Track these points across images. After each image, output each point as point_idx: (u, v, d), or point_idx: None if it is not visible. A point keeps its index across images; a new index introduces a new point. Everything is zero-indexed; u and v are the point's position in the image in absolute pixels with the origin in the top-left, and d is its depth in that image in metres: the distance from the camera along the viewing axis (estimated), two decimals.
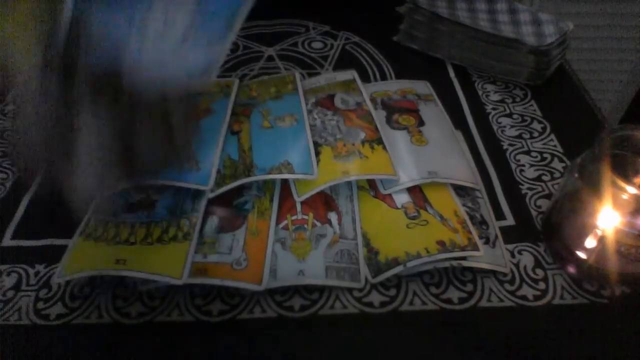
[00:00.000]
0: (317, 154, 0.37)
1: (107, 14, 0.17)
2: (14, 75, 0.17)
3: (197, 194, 0.35)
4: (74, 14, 0.16)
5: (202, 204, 0.35)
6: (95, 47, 0.17)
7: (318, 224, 0.35)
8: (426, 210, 0.35)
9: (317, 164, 0.36)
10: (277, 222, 0.35)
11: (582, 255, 0.32)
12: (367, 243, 0.34)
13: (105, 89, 0.18)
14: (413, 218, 0.35)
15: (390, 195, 0.36)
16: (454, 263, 0.32)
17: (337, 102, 0.43)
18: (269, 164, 0.36)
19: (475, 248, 0.33)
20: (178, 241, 0.33)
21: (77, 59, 0.16)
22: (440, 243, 0.33)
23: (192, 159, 0.35)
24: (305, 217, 0.35)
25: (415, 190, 0.37)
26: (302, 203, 0.36)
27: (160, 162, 0.22)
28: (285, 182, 0.37)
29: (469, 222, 0.35)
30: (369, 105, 0.42)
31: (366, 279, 0.32)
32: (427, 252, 0.32)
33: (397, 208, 0.36)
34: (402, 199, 0.36)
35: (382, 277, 0.32)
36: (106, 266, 0.31)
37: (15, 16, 0.16)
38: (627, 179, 0.29)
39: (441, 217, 0.35)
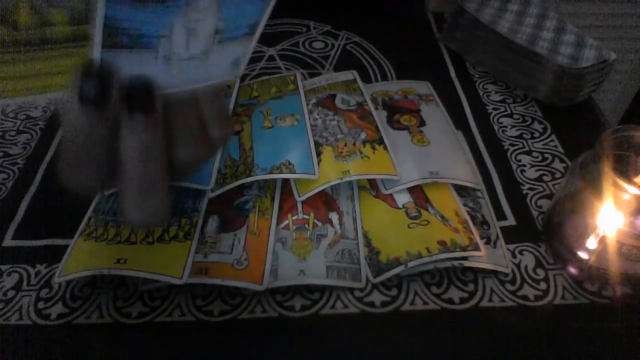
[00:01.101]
0: (319, 154, 0.37)
1: (131, 57, 0.18)
2: (62, 109, 0.19)
3: (198, 194, 0.35)
4: (103, 60, 0.18)
5: (203, 203, 0.35)
6: (125, 79, 0.18)
7: (319, 223, 0.35)
8: (427, 210, 0.35)
9: (318, 164, 0.36)
10: (278, 222, 0.35)
11: (583, 255, 0.32)
12: (368, 243, 0.34)
13: (138, 106, 0.19)
14: (414, 218, 0.35)
15: (391, 195, 0.36)
16: (455, 263, 0.32)
17: (338, 102, 0.43)
18: (269, 163, 0.36)
19: (477, 248, 0.33)
20: (179, 240, 0.33)
21: (110, 89, 0.18)
22: (442, 243, 0.33)
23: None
24: (306, 217, 0.35)
25: (417, 190, 0.37)
26: (303, 203, 0.36)
27: (196, 161, 0.23)
28: (286, 181, 0.37)
29: (470, 222, 0.35)
30: (370, 105, 0.42)
31: (367, 279, 0.32)
32: (428, 252, 0.32)
33: (398, 208, 0.36)
34: (403, 198, 0.36)
35: (383, 277, 0.32)
36: (106, 265, 0.31)
37: (58, 67, 0.18)
38: (629, 179, 0.29)
39: (442, 217, 0.35)
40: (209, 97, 0.22)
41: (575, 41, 0.48)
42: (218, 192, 0.35)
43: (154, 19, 0.18)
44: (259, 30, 0.21)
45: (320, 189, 0.35)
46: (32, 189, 0.40)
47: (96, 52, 0.18)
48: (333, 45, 0.58)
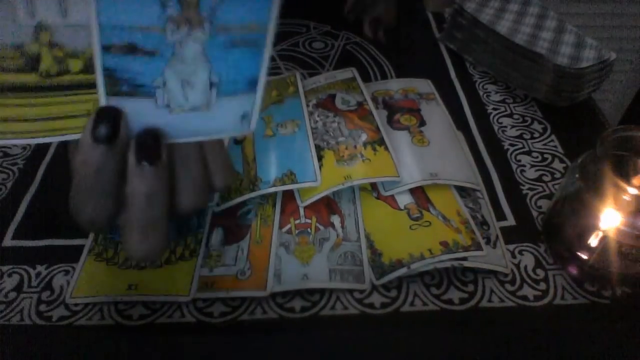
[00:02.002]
0: (320, 158, 0.37)
1: (133, 105, 0.20)
2: (74, 147, 0.22)
3: (202, 210, 0.36)
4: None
5: (207, 218, 0.35)
6: (132, 129, 0.21)
7: (321, 227, 0.35)
8: (429, 211, 0.35)
9: (320, 169, 0.36)
10: (281, 226, 0.35)
11: (583, 255, 0.32)
12: (370, 244, 0.34)
13: (146, 156, 0.21)
14: (416, 219, 0.35)
15: (392, 196, 0.36)
16: (455, 263, 0.32)
17: (338, 102, 0.43)
18: (272, 175, 0.36)
19: (479, 248, 0.33)
20: (185, 259, 0.33)
21: (120, 130, 0.20)
22: (444, 244, 0.33)
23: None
24: (309, 221, 0.35)
25: (418, 191, 0.37)
26: (304, 207, 0.36)
27: (196, 208, 0.25)
28: None
29: (471, 222, 0.35)
30: (370, 104, 0.42)
31: (370, 281, 0.32)
32: (431, 253, 0.32)
33: (399, 209, 0.36)
34: (405, 199, 0.36)
35: (386, 279, 0.32)
36: (119, 292, 0.32)
37: (71, 111, 0.21)
38: (628, 179, 0.29)
39: (444, 217, 0.35)
40: (214, 149, 0.24)
41: (575, 41, 0.48)
42: (222, 207, 0.35)
43: (146, 69, 0.20)
44: (261, 86, 0.22)
45: (322, 195, 0.35)
46: (32, 189, 0.40)
47: (102, 98, 0.20)
48: (333, 45, 0.58)
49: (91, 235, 0.36)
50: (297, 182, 0.35)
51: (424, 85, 0.47)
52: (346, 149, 0.38)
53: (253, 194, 0.35)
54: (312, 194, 0.35)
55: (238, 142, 0.40)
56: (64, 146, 0.23)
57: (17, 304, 0.32)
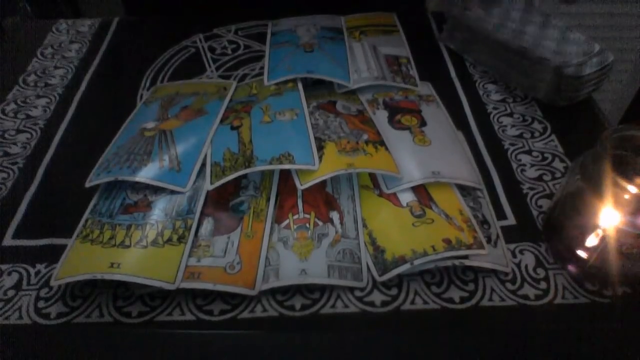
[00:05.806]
0: (321, 147, 0.37)
1: None
2: None
3: (194, 195, 0.35)
4: None
5: (199, 205, 0.35)
6: None
7: (320, 223, 0.35)
8: (431, 209, 0.35)
9: (322, 157, 0.36)
10: (279, 221, 0.35)
11: (583, 255, 0.32)
12: (373, 241, 0.34)
13: None
14: (418, 217, 0.35)
15: (395, 194, 0.36)
16: (456, 262, 0.32)
17: (339, 107, 0.43)
18: (269, 155, 0.36)
19: (481, 246, 0.33)
20: (172, 244, 0.33)
21: None
22: (447, 241, 0.33)
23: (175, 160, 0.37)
24: (307, 216, 0.35)
25: (420, 190, 0.37)
26: (303, 202, 0.36)
27: None
28: (285, 180, 0.37)
29: (473, 221, 0.35)
30: (370, 113, 0.43)
31: (372, 277, 0.32)
32: (434, 250, 0.32)
33: (402, 207, 0.36)
34: (407, 197, 0.36)
35: (389, 275, 0.32)
36: (100, 270, 0.31)
37: None
38: (629, 178, 0.29)
39: (446, 215, 0.35)
40: None
41: (559, 36, 0.48)
42: (217, 184, 0.35)
43: None
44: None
45: (324, 178, 0.35)
46: (32, 189, 0.40)
47: None
48: None
49: (82, 220, 0.35)
50: (294, 163, 0.35)
51: (424, 88, 0.48)
52: (348, 142, 0.38)
53: (248, 170, 0.35)
54: (312, 177, 0.35)
55: (234, 127, 0.40)
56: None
57: (16, 302, 0.32)
